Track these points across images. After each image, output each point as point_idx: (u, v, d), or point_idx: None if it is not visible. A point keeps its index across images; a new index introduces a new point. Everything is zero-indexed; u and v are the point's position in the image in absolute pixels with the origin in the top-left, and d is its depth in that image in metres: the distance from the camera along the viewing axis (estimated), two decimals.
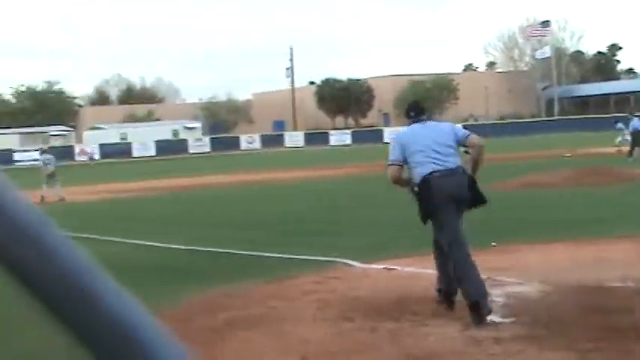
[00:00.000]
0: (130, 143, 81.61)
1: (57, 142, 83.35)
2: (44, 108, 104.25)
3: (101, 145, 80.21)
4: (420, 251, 12.97)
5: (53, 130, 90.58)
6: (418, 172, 8.78)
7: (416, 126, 9.16)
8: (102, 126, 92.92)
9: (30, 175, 41.61)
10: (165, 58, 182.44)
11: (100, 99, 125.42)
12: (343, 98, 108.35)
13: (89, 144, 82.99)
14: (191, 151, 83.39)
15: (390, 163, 8.95)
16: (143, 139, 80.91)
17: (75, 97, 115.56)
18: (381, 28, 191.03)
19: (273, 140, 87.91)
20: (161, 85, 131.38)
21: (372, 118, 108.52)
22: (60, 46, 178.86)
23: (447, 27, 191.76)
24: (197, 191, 31.24)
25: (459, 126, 9.76)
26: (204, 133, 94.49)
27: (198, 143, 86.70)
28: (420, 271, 11.24)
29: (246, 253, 14.10)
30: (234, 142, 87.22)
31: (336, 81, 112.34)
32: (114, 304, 0.73)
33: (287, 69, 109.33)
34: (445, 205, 8.66)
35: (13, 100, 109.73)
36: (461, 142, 9.02)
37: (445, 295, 8.96)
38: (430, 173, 8.67)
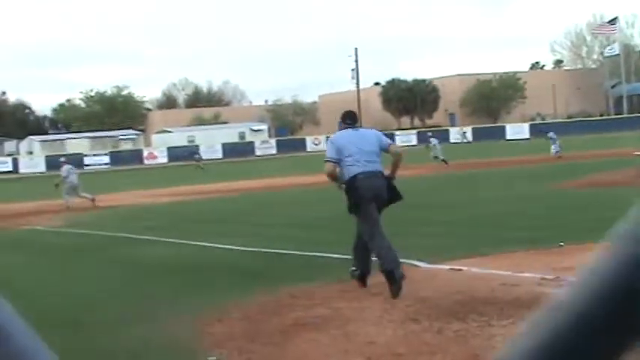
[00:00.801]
0: (197, 146, 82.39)
1: (126, 146, 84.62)
2: (114, 112, 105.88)
3: (169, 149, 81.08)
4: (486, 252, 12.89)
5: (122, 134, 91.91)
6: (347, 172, 10.51)
7: (349, 131, 10.95)
8: (170, 129, 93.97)
9: (98, 179, 42.26)
10: (231, 61, 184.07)
11: (168, 103, 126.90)
12: (409, 99, 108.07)
13: (157, 147, 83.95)
14: (257, 153, 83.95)
15: (327, 159, 10.68)
16: (210, 142, 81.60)
17: (143, 102, 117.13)
18: (447, 27, 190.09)
19: None
20: (228, 88, 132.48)
21: (437, 118, 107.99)
22: (129, 51, 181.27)
23: (513, 25, 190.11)
24: (264, 193, 31.41)
25: (384, 136, 11.34)
26: (270, 135, 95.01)
27: (265, 145, 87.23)
28: (486, 272, 11.16)
29: (312, 254, 14.13)
30: (301, 144, 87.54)
31: (401, 81, 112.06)
32: None
33: (352, 70, 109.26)
34: (367, 201, 10.38)
35: (83, 105, 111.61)
36: (383, 149, 10.83)
37: (360, 275, 10.75)
38: (357, 174, 10.41)
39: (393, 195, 10.72)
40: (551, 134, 44.95)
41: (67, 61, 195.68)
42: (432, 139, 47.61)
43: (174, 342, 8.55)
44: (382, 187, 10.57)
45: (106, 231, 19.99)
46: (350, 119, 11.26)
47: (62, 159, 32.04)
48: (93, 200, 29.17)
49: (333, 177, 10.71)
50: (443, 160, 43.55)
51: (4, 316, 0.77)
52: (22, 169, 73.57)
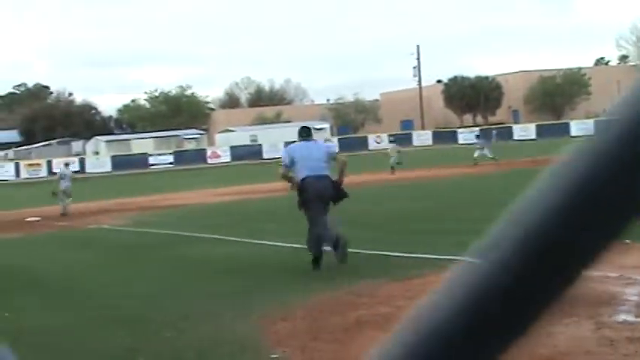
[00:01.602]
0: (260, 145, 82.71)
1: (190, 146, 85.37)
2: (178, 112, 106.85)
3: (232, 148, 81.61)
4: None
5: (186, 133, 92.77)
6: (300, 175, 13.14)
7: (303, 143, 13.73)
8: (232, 128, 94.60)
9: (163, 179, 42.77)
10: (293, 59, 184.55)
11: (231, 102, 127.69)
12: (471, 96, 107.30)
13: (220, 146, 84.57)
14: None
15: (282, 164, 13.50)
16: (273, 141, 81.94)
17: (207, 101, 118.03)
18: (509, 23, 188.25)
19: (400, 139, 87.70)
20: (290, 87, 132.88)
21: (500, 115, 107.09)
22: (192, 51, 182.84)
23: (577, 20, 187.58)
24: None
25: (333, 146, 15.55)
26: (332, 134, 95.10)
27: (327, 144, 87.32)
28: None
29: (372, 252, 14.16)
30: (363, 142, 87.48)
31: (464, 79, 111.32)
32: None
33: (414, 68, 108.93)
34: (314, 198, 13.02)
35: (148, 105, 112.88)
36: (331, 157, 13.66)
37: (314, 258, 13.06)
38: (306, 177, 13.08)
39: (339, 194, 13.32)
40: None
41: (132, 61, 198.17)
42: (478, 141, 47.06)
43: (237, 340, 8.65)
44: (328, 187, 13.16)
45: (170, 230, 20.24)
46: (305, 133, 14.05)
47: (64, 164, 31.60)
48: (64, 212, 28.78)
49: (285, 178, 13.52)
50: (492, 158, 42.91)
51: None
52: (89, 169, 74.63)
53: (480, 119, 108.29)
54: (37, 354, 8.80)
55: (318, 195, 13.06)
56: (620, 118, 0.58)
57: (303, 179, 13.10)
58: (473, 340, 0.61)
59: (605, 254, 0.60)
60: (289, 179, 13.48)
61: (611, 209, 0.59)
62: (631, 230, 0.59)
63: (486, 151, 43.83)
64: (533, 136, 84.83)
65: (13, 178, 72.35)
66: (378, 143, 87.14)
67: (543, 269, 0.60)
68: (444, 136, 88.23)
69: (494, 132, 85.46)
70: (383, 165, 44.91)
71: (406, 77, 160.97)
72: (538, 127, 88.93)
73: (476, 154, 43.48)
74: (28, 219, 27.81)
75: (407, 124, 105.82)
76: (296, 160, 13.34)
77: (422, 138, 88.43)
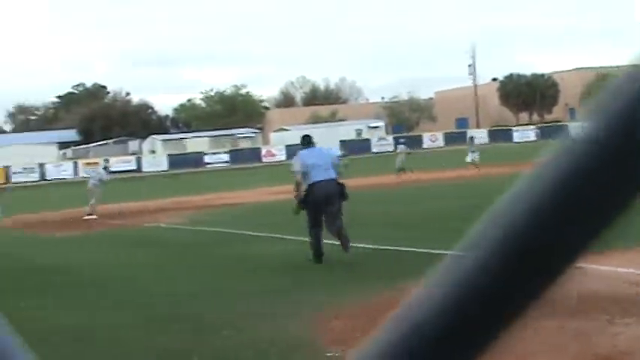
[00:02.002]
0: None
1: (245, 144, 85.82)
2: (233, 111, 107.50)
3: (287, 147, 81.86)
4: (606, 250, 12.62)
5: (241, 132, 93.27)
6: (310, 179, 14.56)
7: (310, 150, 15.30)
8: (287, 127, 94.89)
9: (218, 177, 43.09)
10: (348, 58, 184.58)
11: (286, 101, 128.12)
12: (527, 94, 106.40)
13: (275, 145, 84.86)
14: (374, 150, 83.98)
15: (297, 172, 14.79)
16: (328, 140, 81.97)
17: (261, 100, 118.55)
18: (565, 20, 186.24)
19: (455, 138, 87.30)
20: (344, 86, 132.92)
21: (557, 113, 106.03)
22: (247, 50, 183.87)
23: (635, 16, 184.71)
24: (379, 190, 31.40)
25: (335, 150, 16.85)
26: (387, 132, 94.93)
27: (382, 142, 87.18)
28: (609, 269, 10.94)
29: (426, 251, 14.10)
30: (417, 141, 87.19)
31: (520, 76, 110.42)
32: None
33: (469, 66, 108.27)
34: (322, 200, 14.41)
35: (204, 105, 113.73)
36: (334, 163, 15.09)
37: (315, 255, 14.33)
38: (318, 181, 14.50)
39: (343, 195, 14.67)
40: None
41: (189, 61, 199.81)
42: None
43: (293, 338, 8.67)
44: (334, 188, 14.53)
45: (226, 228, 20.36)
46: (307, 141, 15.59)
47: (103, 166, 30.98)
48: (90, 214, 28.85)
49: (300, 185, 14.76)
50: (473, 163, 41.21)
51: None
52: (145, 168, 75.40)
53: (536, 117, 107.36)
54: (95, 351, 8.91)
55: (327, 196, 14.47)
56: (597, 119, 0.58)
57: (315, 182, 14.57)
58: (452, 340, 0.61)
59: (585, 255, 0.60)
60: (299, 186, 14.91)
61: (590, 210, 0.58)
62: (613, 230, 0.58)
63: (476, 155, 42.40)
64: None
65: (72, 176, 73.33)
66: (433, 142, 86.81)
67: (522, 270, 0.59)
68: (500, 134, 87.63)
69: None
70: (435, 164, 44.74)
71: (461, 75, 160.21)
72: None
73: (468, 159, 42.65)
74: (86, 217, 28.17)
75: (462, 123, 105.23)
76: (309, 166, 14.73)
77: (478, 136, 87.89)
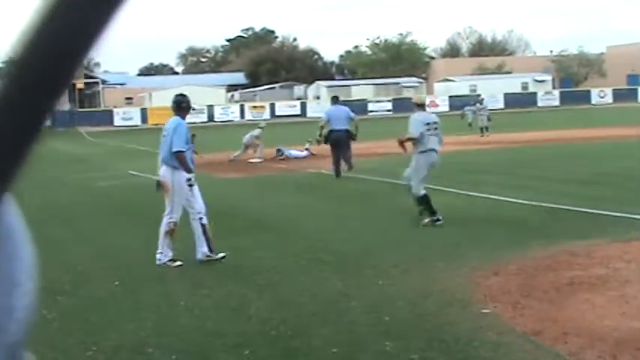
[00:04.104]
0: (479, 95, 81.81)
1: (408, 94, 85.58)
2: (398, 60, 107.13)
3: (450, 97, 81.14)
4: None
5: (405, 81, 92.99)
6: (330, 127, 22.67)
7: (335, 107, 23.36)
8: (452, 78, 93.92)
9: (381, 125, 43.23)
10: (517, 9, 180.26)
11: (452, 51, 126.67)
12: None
13: (439, 96, 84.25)
14: (540, 105, 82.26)
15: (323, 120, 23.10)
16: (492, 92, 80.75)
17: (426, 49, 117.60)
18: None
19: (626, 95, 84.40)
20: (512, 38, 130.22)
21: None
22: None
23: None
24: (544, 146, 30.84)
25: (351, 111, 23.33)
26: (554, 87, 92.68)
27: (548, 97, 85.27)
28: None
29: (589, 210, 13.85)
30: (585, 96, 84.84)
31: None
32: None
33: None
34: (335, 143, 22.49)
35: (369, 52, 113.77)
36: (351, 118, 22.93)
37: (336, 173, 22.84)
38: (333, 130, 22.61)
39: (350, 137, 22.77)
40: None
41: (355, 6, 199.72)
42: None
43: (448, 292, 8.74)
44: (344, 136, 22.60)
45: (386, 177, 20.47)
46: (334, 100, 23.95)
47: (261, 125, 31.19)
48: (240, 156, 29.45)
49: (321, 129, 23.29)
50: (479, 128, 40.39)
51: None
52: (310, 114, 76.34)
53: None
54: (252, 293, 9.24)
55: (338, 140, 22.43)
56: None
57: (333, 130, 22.58)
58: None
59: None
60: (322, 130, 23.02)
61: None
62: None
63: (471, 118, 41.65)
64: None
65: (238, 119, 75.07)
66: (602, 97, 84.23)
67: None
68: None
69: None
70: (603, 120, 43.35)
71: (636, 30, 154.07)
72: None
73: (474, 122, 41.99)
74: (251, 160, 28.87)
75: (634, 79, 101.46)
76: (330, 118, 22.88)
77: None
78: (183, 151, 10.82)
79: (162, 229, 10.96)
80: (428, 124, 13.68)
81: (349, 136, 22.58)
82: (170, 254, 10.87)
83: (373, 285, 9.26)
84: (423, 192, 13.53)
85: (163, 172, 11.08)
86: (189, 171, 10.90)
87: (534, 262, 9.98)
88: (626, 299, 8.12)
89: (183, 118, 11.20)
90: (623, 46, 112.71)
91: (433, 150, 13.63)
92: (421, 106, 14.45)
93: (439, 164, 13.90)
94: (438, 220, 13.26)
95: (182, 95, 11.46)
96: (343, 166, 22.71)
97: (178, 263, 10.76)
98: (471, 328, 7.41)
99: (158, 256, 10.86)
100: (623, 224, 12.46)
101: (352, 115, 23.05)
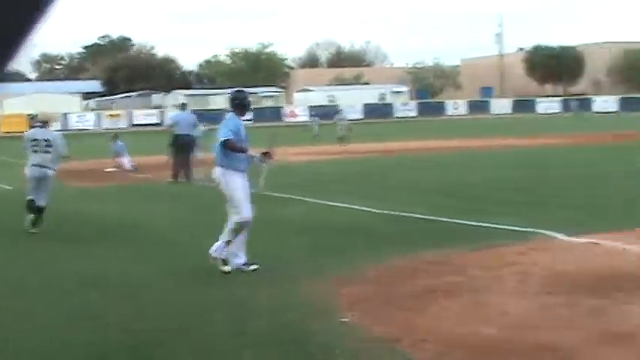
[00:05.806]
0: (337, 106, 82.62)
1: (267, 103, 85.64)
2: (257, 69, 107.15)
3: (310, 107, 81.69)
4: (628, 227, 12.59)
5: (264, 91, 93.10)
6: (175, 132, 23.72)
7: (182, 112, 24.53)
8: (311, 88, 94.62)
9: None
10: (374, 22, 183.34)
11: (311, 62, 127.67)
12: (553, 66, 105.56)
13: (298, 105, 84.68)
14: (397, 115, 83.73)
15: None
16: (351, 102, 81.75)
17: (286, 59, 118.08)
18: None
19: (479, 107, 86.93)
20: (370, 49, 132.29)
21: (582, 85, 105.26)
22: (273, 9, 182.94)
23: None
24: (401, 156, 31.36)
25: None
26: (410, 98, 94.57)
27: (405, 108, 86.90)
28: (627, 247, 10.93)
29: (448, 220, 14.11)
30: (440, 108, 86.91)
31: (547, 48, 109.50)
32: None
33: (496, 35, 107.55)
34: (180, 147, 23.39)
35: (229, 61, 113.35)
36: (196, 125, 23.92)
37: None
38: (178, 134, 23.44)
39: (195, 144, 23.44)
40: None
41: (214, 17, 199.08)
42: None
43: (307, 302, 8.70)
44: (188, 141, 23.33)
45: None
46: (183, 107, 25.17)
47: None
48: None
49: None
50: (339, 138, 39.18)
51: None
52: (168, 122, 75.56)
53: (560, 89, 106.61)
54: (116, 304, 8.99)
55: (182, 145, 23.29)
56: None
57: (178, 135, 23.49)
58: None
59: None
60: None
61: None
62: None
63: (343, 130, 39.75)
64: (615, 109, 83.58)
65: (94, 127, 73.50)
66: (456, 109, 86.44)
67: None
68: (523, 105, 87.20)
69: (574, 103, 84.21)
70: (457, 132, 44.43)
71: (487, 44, 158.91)
72: (622, 100, 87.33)
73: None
74: (107, 169, 28.32)
75: (487, 91, 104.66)
76: (176, 122, 24.20)
77: (501, 106, 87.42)
78: (229, 139, 10.91)
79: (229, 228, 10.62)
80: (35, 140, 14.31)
81: (193, 142, 23.46)
82: (244, 258, 10.53)
83: (234, 296, 9.15)
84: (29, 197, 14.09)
85: (217, 173, 10.92)
86: (243, 151, 10.89)
87: (392, 271, 10.07)
88: (481, 306, 8.27)
89: (241, 115, 11.75)
90: (477, 59, 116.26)
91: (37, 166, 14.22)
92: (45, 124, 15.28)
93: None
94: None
95: (238, 91, 12.18)
96: (182, 174, 23.28)
97: (254, 267, 10.42)
98: (331, 336, 7.39)
99: (236, 260, 10.45)
100: (479, 233, 12.72)
101: (198, 124, 24.41)
